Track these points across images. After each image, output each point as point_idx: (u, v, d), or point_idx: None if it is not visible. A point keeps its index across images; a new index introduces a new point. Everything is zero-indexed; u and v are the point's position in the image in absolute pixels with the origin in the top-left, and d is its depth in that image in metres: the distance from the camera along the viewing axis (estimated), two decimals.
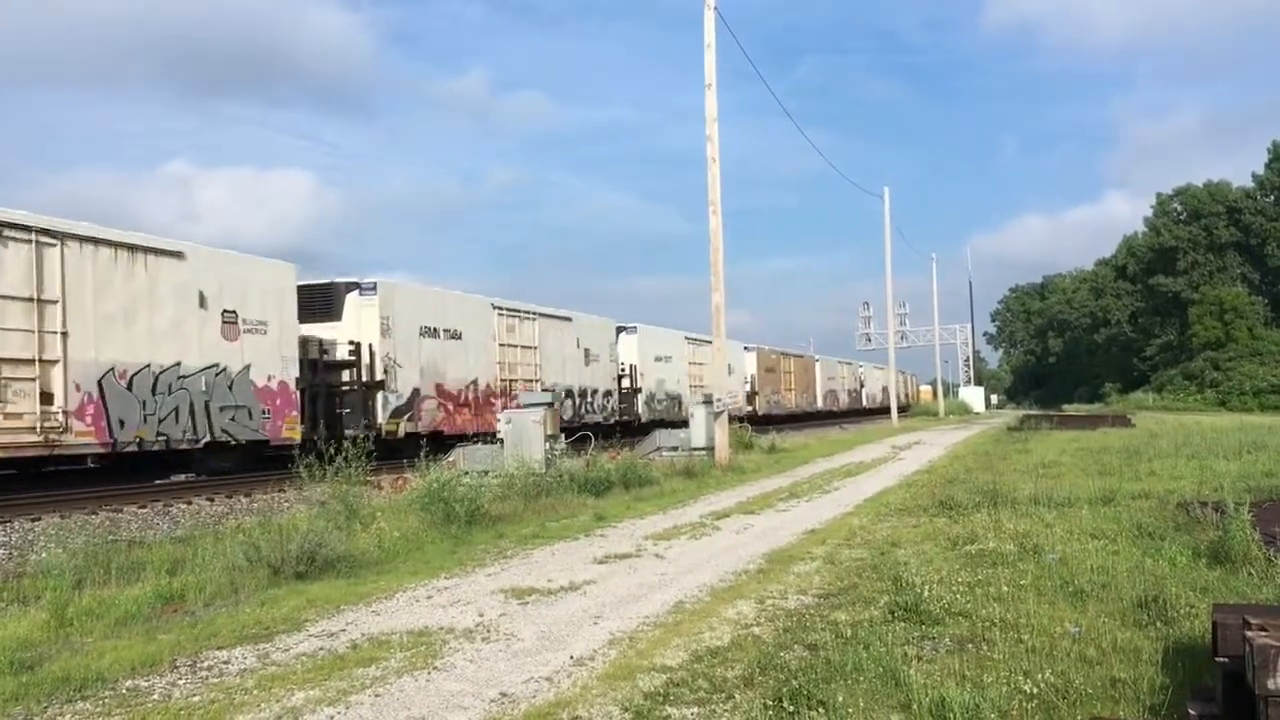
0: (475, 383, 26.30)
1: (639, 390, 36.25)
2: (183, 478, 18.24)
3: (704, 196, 22.57)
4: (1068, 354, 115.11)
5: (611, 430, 27.89)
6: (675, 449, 23.69)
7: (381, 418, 22.41)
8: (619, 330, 35.59)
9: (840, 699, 4.72)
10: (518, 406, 19.03)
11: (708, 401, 23.58)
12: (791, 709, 4.67)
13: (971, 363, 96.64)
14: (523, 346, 28.64)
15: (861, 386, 73.47)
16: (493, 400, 26.42)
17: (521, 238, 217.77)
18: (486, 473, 15.79)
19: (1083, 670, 5.11)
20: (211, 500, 15.61)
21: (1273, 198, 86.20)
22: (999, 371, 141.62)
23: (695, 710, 4.85)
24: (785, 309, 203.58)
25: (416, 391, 23.72)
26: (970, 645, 5.76)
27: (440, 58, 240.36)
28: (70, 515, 13.41)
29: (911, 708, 4.58)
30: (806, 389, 56.73)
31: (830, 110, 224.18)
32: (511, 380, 27.61)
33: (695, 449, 22.93)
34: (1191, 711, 4.11)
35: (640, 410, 36.04)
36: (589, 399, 31.93)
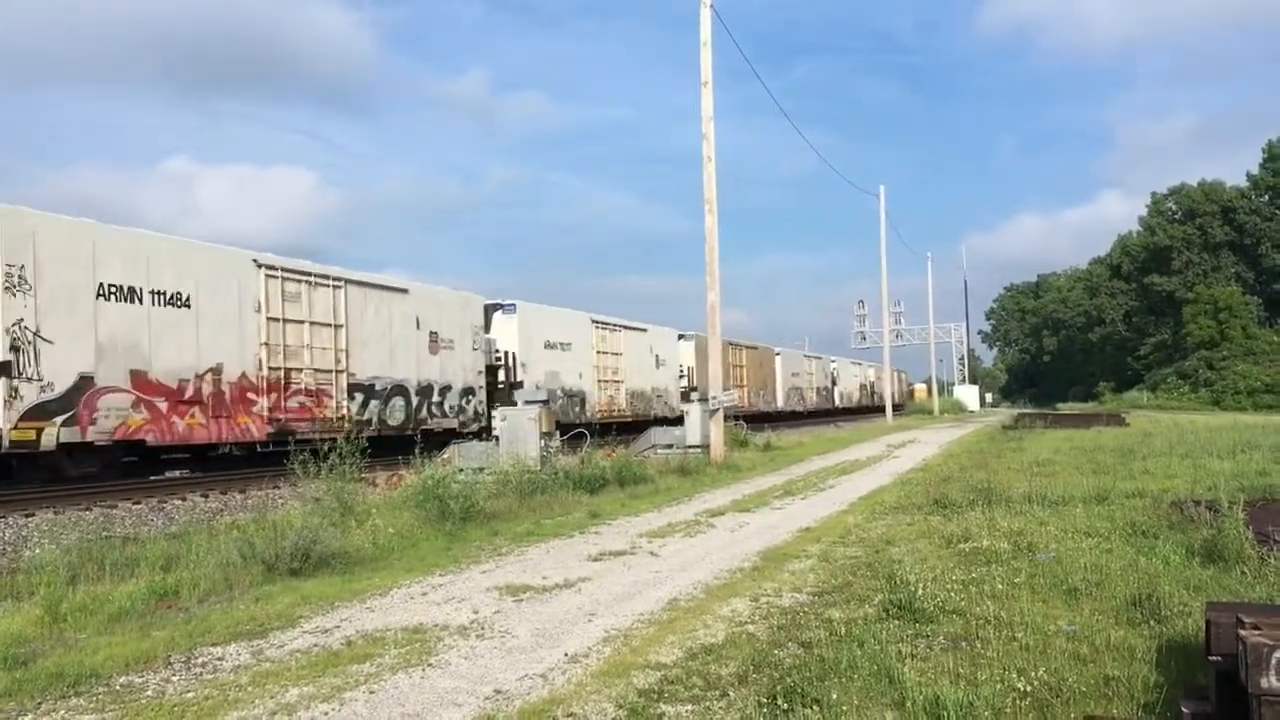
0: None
1: (519, 385, 28.15)
2: (177, 474, 18.22)
3: (701, 196, 22.55)
4: (1062, 353, 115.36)
5: (475, 438, 23.66)
6: (670, 446, 23.69)
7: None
8: (491, 309, 28.60)
9: (834, 697, 4.73)
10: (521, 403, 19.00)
11: (703, 399, 23.58)
12: (786, 707, 4.68)
13: (966, 361, 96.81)
14: (327, 326, 20.87)
15: (833, 384, 65.78)
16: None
17: (519, 236, 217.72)
18: (481, 470, 15.80)
19: (1076, 668, 5.13)
20: (206, 496, 15.59)
21: (1267, 197, 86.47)
22: (994, 370, 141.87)
23: (689, 708, 4.86)
24: (781, 308, 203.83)
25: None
26: (964, 643, 5.77)
27: (440, 57, 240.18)
28: (64, 511, 13.39)
29: (905, 705, 4.59)
30: (764, 385, 49.70)
31: (827, 110, 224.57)
32: (293, 369, 19.83)
33: (690, 447, 22.94)
34: (1185, 710, 4.13)
35: None
36: (433, 398, 24.49)
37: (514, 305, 29.08)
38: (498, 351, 28.15)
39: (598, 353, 32.93)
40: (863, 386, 74.70)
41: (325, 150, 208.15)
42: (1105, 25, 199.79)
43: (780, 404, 51.87)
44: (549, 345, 30.12)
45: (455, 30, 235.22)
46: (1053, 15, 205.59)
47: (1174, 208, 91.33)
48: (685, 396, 33.08)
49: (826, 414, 59.95)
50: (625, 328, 35.50)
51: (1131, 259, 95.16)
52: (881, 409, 67.44)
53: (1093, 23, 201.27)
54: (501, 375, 28.15)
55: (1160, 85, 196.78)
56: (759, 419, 42.03)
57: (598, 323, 33.41)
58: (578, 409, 30.89)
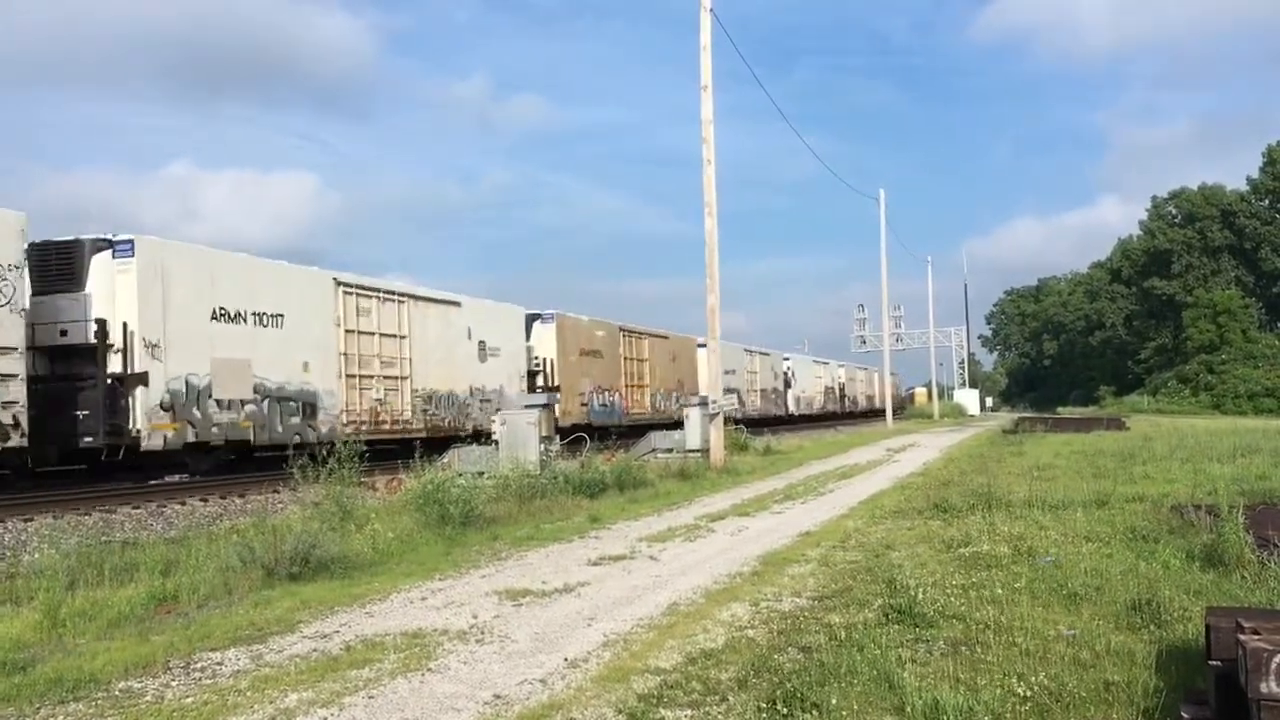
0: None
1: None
2: (176, 478, 18.23)
3: (700, 199, 22.56)
4: (1062, 357, 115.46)
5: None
6: (670, 451, 23.69)
7: None
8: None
9: (834, 701, 4.72)
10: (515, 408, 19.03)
11: (703, 403, 23.59)
12: (785, 711, 4.67)
13: (966, 365, 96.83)
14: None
15: (787, 386, 55.78)
16: None
17: (516, 237, 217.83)
18: (481, 474, 15.80)
19: (1076, 673, 5.12)
20: (205, 501, 15.58)
21: (1267, 201, 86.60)
22: (994, 374, 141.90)
23: (689, 712, 4.85)
24: (781, 312, 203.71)
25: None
26: (964, 648, 5.76)
27: (436, 58, 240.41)
28: (63, 516, 13.37)
29: (905, 710, 4.59)
30: (677, 386, 39.41)
31: (828, 113, 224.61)
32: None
33: (690, 451, 22.94)
34: (1185, 715, 4.12)
35: (138, 421, 17.03)
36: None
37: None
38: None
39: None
40: (829, 390, 64.67)
41: (324, 153, 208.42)
42: (1099, 30, 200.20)
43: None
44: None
45: (449, 32, 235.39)
46: (1047, 20, 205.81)
47: (1174, 211, 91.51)
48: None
49: (776, 421, 49.99)
50: (418, 299, 25.25)
51: (1132, 263, 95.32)
52: (853, 416, 66.71)
53: (1086, 27, 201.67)
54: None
55: (1154, 89, 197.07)
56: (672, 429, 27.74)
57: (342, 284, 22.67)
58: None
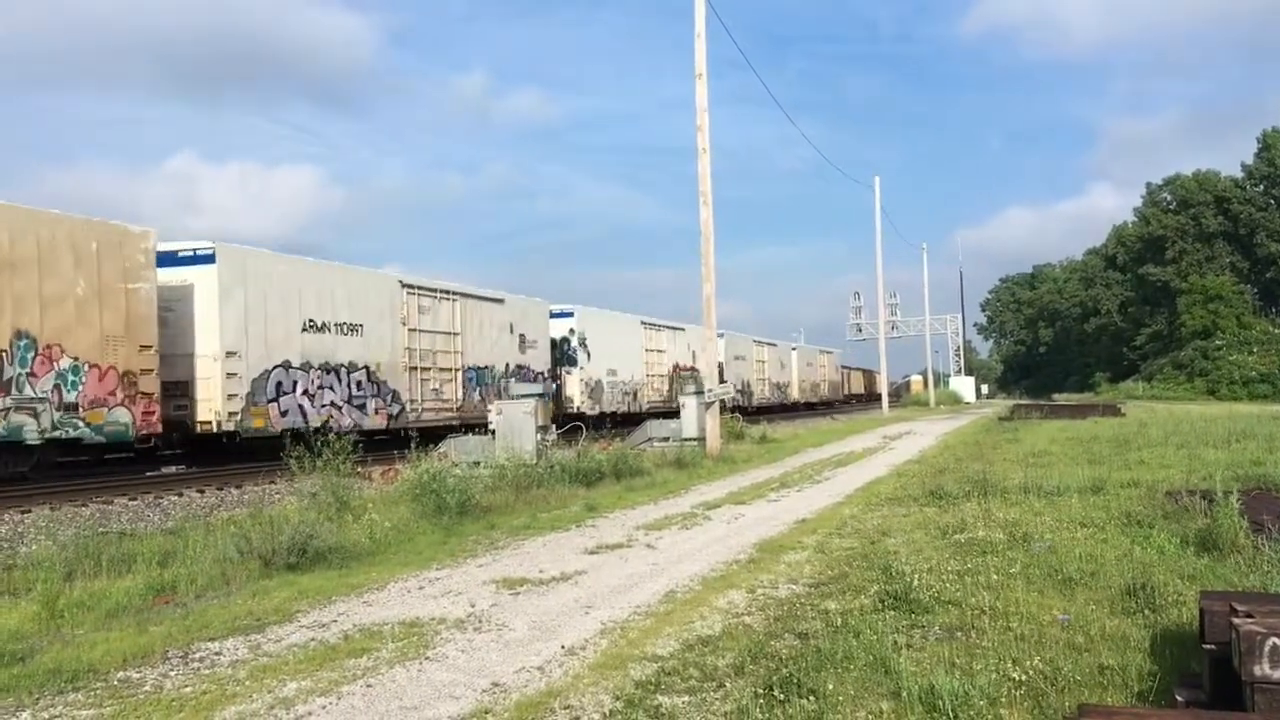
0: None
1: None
2: (173, 469, 18.23)
3: (695, 188, 22.52)
4: (1058, 344, 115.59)
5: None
6: (667, 439, 23.70)
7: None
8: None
9: (830, 687, 4.74)
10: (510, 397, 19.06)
11: (699, 392, 23.59)
12: (782, 697, 4.69)
13: (962, 353, 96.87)
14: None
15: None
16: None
17: (512, 228, 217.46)
18: (477, 464, 15.79)
19: (1071, 658, 5.15)
20: (202, 492, 15.57)
21: (1261, 187, 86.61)
22: (989, 361, 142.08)
23: (686, 699, 4.87)
24: (777, 300, 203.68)
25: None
26: (960, 633, 5.79)
27: (432, 51, 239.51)
28: (60, 507, 13.37)
29: (901, 695, 4.61)
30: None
31: (825, 101, 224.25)
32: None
33: (686, 439, 22.94)
34: (1179, 698, 4.15)
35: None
36: None
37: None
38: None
39: None
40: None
41: (323, 146, 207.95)
42: (1087, 23, 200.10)
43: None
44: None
45: (446, 23, 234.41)
46: (1036, 11, 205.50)
47: (1168, 198, 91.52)
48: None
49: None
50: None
51: (1126, 249, 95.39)
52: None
53: (1074, 19, 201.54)
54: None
55: (1144, 77, 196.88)
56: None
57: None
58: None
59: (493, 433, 17.73)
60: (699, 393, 23.49)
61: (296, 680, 5.39)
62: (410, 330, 24.30)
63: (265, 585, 7.99)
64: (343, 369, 21.83)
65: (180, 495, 15.16)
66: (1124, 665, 4.94)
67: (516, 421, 17.39)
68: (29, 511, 13.03)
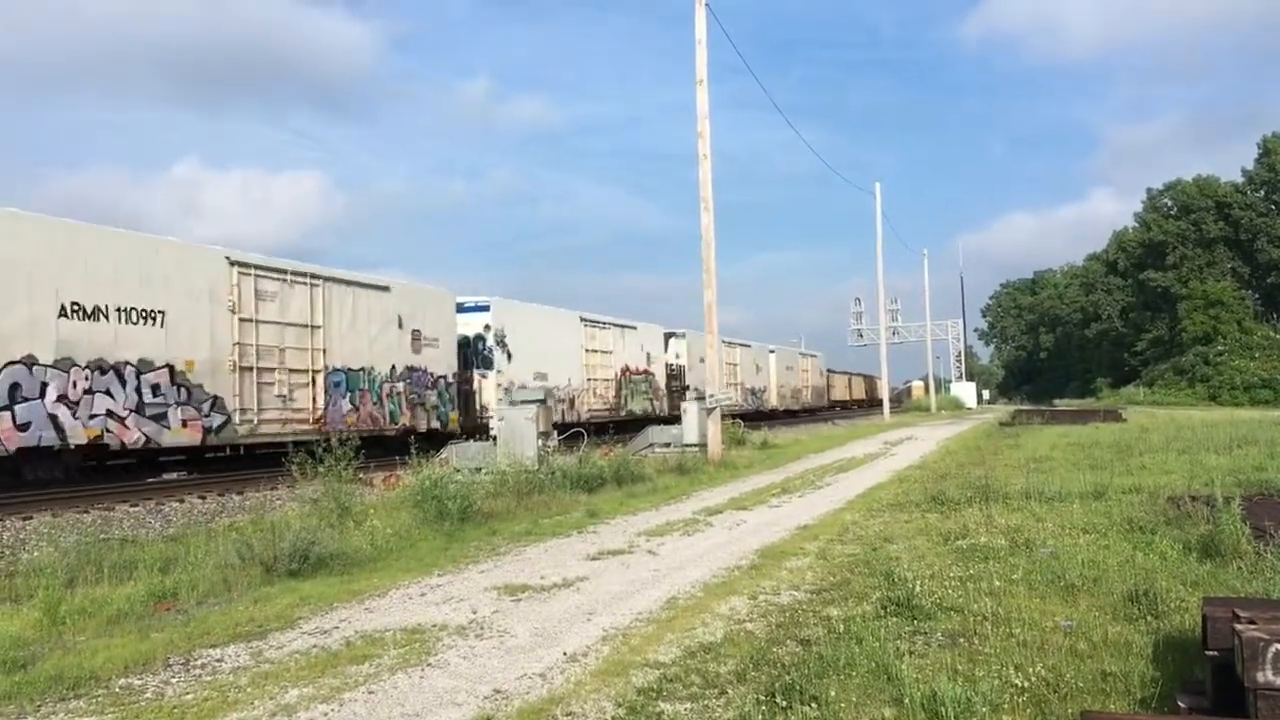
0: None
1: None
2: (174, 476, 18.22)
3: (697, 194, 22.54)
4: (1059, 349, 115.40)
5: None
6: (668, 445, 23.70)
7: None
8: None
9: (833, 694, 4.74)
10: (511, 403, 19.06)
11: (701, 397, 23.60)
12: (784, 704, 4.69)
13: (963, 358, 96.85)
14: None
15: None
16: None
17: (514, 234, 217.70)
18: (479, 470, 15.80)
19: (1074, 664, 5.14)
20: (203, 498, 15.58)
21: (1262, 193, 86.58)
22: (991, 367, 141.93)
23: (688, 706, 4.87)
24: (778, 306, 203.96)
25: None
26: (962, 640, 5.79)
27: (434, 56, 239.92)
28: (62, 514, 13.37)
29: (904, 702, 4.60)
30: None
31: (826, 106, 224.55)
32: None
33: (688, 445, 22.95)
34: (1181, 704, 4.15)
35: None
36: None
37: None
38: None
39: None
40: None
41: (325, 152, 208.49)
42: (1088, 28, 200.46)
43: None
44: None
45: (448, 28, 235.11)
46: (1037, 16, 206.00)
47: (1169, 203, 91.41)
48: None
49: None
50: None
51: (1127, 255, 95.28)
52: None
53: (1075, 25, 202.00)
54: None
55: (1145, 83, 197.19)
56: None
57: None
58: None
59: (494, 438, 17.73)
60: (700, 398, 23.51)
61: (298, 687, 5.39)
62: (243, 321, 19.17)
63: (267, 592, 7.99)
64: (128, 368, 16.78)
65: (182, 501, 15.16)
66: (1126, 672, 4.94)
67: (518, 427, 17.39)
68: (30, 518, 13.03)
